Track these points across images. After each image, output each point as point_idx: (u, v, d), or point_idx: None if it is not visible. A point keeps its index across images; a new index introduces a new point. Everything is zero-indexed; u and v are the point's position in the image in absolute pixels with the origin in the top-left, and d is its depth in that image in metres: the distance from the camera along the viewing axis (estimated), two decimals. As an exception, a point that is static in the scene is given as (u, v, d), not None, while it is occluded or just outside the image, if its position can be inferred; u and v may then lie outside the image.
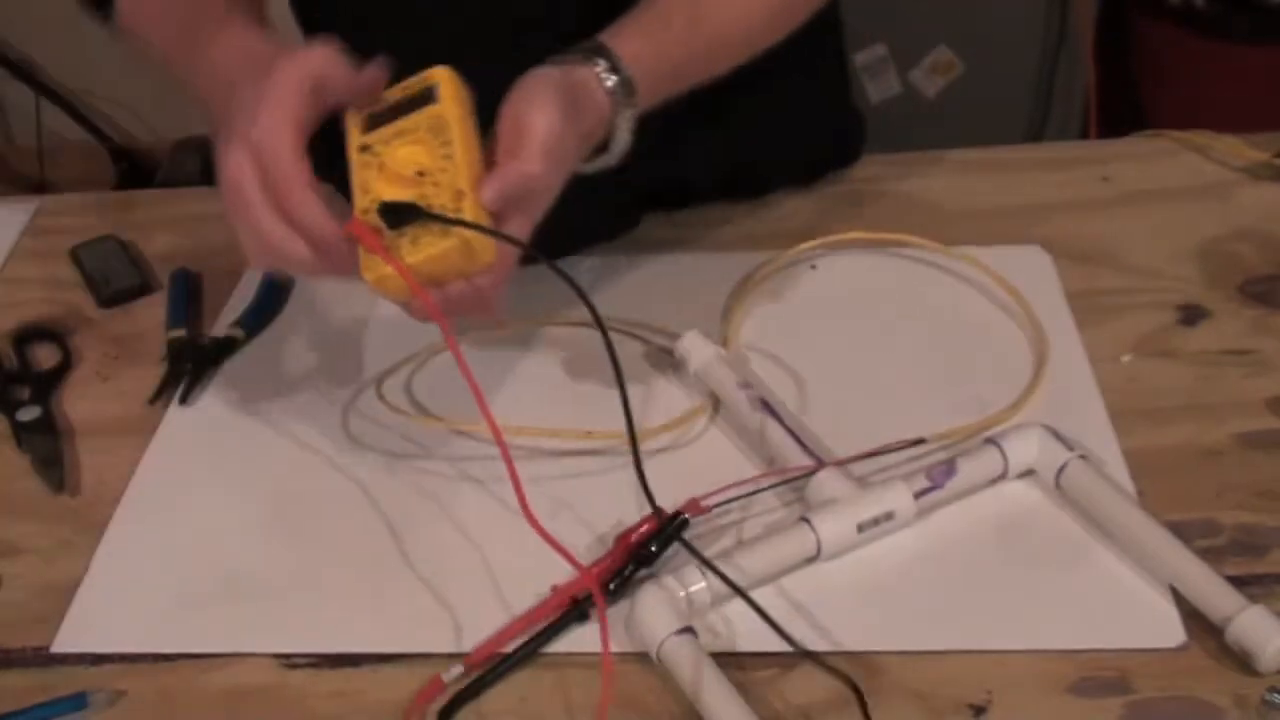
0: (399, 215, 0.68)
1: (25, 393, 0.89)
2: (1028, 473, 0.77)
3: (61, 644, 0.72)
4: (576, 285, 0.71)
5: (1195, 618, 0.68)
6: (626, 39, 0.78)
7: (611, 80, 0.76)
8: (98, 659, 0.71)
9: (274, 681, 0.69)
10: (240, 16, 0.80)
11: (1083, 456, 0.75)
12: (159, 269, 1.00)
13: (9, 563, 0.77)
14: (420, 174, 0.70)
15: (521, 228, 0.72)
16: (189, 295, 0.97)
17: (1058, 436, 0.76)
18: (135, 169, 2.54)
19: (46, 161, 2.54)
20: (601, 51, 0.77)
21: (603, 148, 0.78)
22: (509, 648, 0.69)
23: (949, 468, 0.75)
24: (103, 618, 0.74)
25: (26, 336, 0.95)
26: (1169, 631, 0.68)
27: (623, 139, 0.78)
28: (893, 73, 1.83)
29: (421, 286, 0.68)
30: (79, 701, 0.68)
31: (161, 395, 0.88)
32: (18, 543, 0.79)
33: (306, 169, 0.68)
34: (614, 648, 0.69)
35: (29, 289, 1.00)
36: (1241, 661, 0.66)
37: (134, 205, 1.10)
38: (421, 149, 0.70)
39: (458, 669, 0.68)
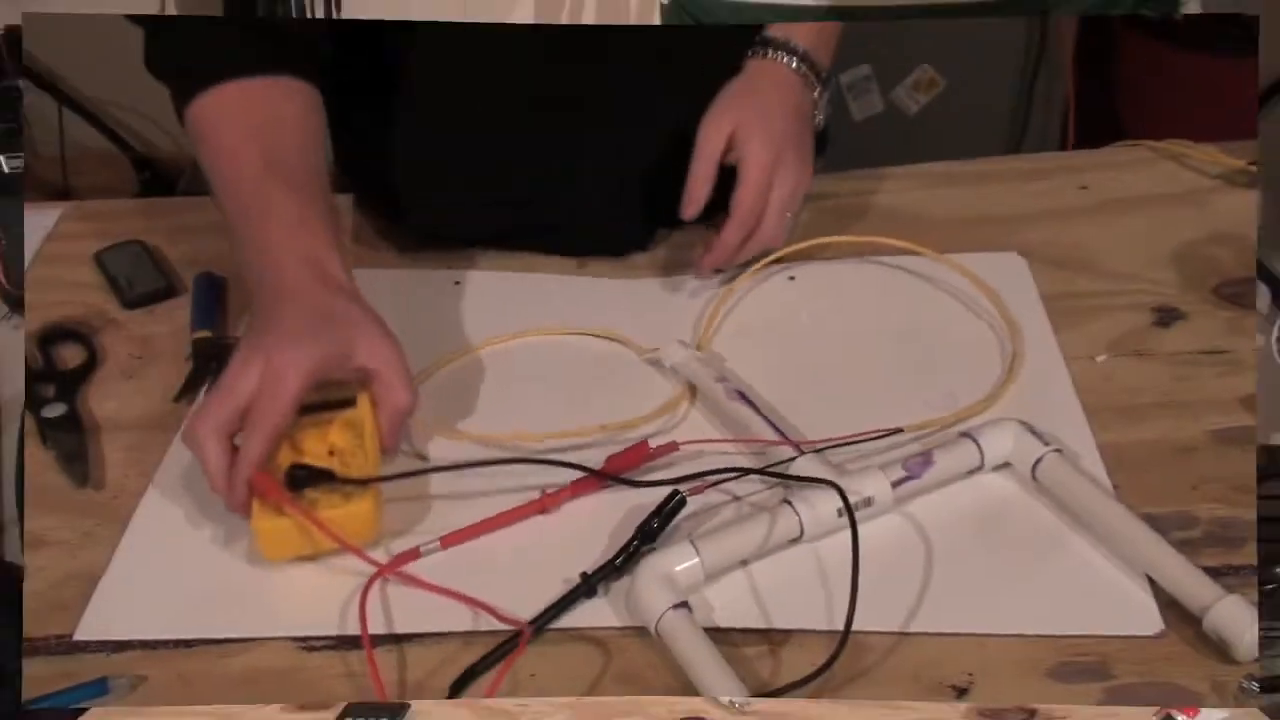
0: (302, 480, 0.75)
1: (50, 390, 0.89)
2: (1004, 465, 0.78)
3: (84, 632, 0.73)
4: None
5: (1172, 607, 0.69)
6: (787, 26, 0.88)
7: (795, 63, 0.87)
8: (119, 646, 0.72)
9: (292, 664, 0.70)
10: (324, 216, 0.83)
11: (1058, 451, 0.76)
12: (182, 274, 1.00)
13: (33, 554, 0.78)
14: (331, 453, 0.77)
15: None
16: (215, 297, 0.97)
17: (1033, 431, 0.77)
18: (157, 178, 2.53)
19: (69, 170, 2.55)
20: (772, 43, 0.87)
21: None
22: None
23: (925, 459, 0.76)
24: (124, 607, 0.74)
25: (52, 336, 0.95)
26: (1147, 620, 0.69)
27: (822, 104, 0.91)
28: (875, 92, 1.84)
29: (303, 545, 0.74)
30: (100, 687, 0.69)
31: (186, 394, 0.89)
32: (42, 535, 0.79)
33: (286, 424, 0.75)
34: (616, 623, 0.71)
35: (54, 291, 1.00)
36: (1218, 650, 0.67)
37: (156, 213, 1.09)
38: (336, 432, 0.78)
39: (434, 544, 0.75)
